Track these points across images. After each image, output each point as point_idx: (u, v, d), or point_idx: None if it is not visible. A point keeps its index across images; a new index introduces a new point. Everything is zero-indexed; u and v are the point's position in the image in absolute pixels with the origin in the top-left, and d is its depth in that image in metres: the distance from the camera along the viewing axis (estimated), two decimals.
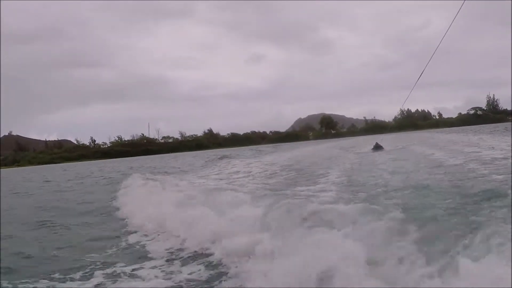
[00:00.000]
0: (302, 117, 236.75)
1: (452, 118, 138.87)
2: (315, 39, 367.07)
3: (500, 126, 60.64)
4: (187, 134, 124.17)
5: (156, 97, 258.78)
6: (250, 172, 16.85)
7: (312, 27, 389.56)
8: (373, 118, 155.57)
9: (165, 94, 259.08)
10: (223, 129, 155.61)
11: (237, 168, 19.84)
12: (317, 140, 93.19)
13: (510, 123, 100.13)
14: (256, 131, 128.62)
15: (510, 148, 14.84)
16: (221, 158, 30.95)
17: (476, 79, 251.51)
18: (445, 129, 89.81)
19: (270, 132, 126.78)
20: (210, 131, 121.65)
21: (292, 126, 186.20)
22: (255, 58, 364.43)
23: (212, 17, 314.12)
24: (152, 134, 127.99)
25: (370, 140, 36.85)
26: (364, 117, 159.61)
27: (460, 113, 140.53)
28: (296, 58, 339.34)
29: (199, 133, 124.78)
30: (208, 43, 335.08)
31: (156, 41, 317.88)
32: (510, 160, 11.00)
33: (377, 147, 27.77)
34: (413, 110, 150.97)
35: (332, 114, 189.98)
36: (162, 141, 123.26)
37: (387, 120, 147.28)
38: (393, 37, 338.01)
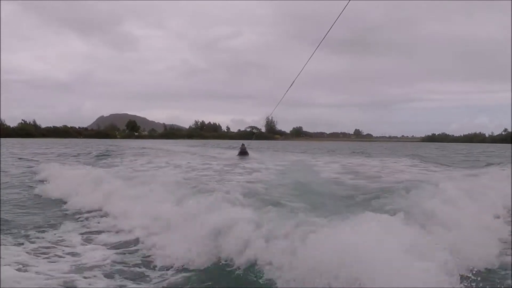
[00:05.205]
0: (105, 115, 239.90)
1: (233, 132, 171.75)
2: (119, 33, 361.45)
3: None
4: None
5: None
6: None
7: (116, 19, 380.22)
8: (172, 124, 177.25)
9: None
10: (18, 116, 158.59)
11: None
12: (125, 139, 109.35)
13: (278, 140, 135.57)
14: (64, 125, 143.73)
15: None
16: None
17: (280, 96, 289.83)
18: (226, 140, 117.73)
19: (79, 127, 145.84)
20: (35, 122, 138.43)
21: (97, 123, 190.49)
22: (56, 46, 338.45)
23: None
24: None
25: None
26: (164, 123, 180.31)
27: (239, 130, 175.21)
28: (99, 52, 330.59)
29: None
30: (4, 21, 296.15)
31: None
32: None
33: (243, 153, 27.38)
34: (209, 121, 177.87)
35: (135, 116, 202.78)
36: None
37: (186, 127, 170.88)
38: (202, 43, 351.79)
